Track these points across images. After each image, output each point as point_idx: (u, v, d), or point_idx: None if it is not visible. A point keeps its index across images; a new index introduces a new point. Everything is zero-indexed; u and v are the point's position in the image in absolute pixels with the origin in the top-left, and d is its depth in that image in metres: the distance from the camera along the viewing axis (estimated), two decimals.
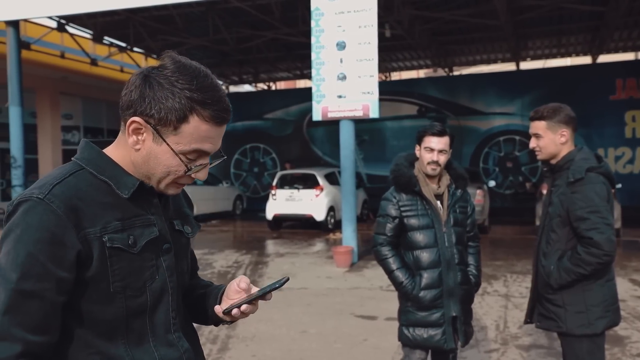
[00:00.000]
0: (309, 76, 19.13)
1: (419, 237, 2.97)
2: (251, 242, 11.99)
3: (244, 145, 20.37)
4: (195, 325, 1.50)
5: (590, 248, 2.54)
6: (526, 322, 3.00)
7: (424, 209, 2.98)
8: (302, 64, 18.76)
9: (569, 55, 18.80)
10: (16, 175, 11.33)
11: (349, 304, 6.64)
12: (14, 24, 11.21)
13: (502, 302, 6.53)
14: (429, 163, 2.94)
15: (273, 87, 23.11)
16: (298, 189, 13.44)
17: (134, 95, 1.20)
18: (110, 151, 1.29)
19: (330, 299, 6.93)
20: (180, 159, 1.23)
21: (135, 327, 1.26)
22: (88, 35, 14.76)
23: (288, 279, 1.35)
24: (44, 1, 10.76)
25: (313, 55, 9.54)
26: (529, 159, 17.17)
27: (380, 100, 9.68)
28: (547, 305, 2.75)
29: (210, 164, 1.29)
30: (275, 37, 15.06)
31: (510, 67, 20.03)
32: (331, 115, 9.53)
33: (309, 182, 13.47)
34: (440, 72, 21.27)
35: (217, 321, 1.44)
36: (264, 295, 1.32)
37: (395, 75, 22.32)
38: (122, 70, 17.21)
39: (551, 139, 2.72)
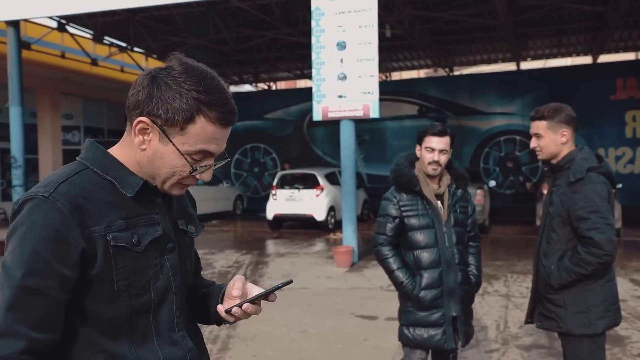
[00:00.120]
0: (309, 76, 19.14)
1: (420, 237, 2.97)
2: (251, 242, 12.00)
3: (244, 145, 20.37)
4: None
5: (590, 248, 2.54)
6: (527, 322, 3.00)
7: (424, 208, 2.99)
8: (302, 64, 18.77)
9: (570, 55, 18.80)
10: (16, 175, 11.33)
11: (349, 304, 6.64)
12: (15, 24, 11.22)
13: (502, 302, 6.53)
14: (430, 163, 2.94)
15: (273, 87, 23.12)
16: (298, 189, 13.44)
17: (142, 95, 1.21)
18: (115, 151, 1.30)
19: (330, 299, 6.93)
20: (186, 159, 1.24)
21: (139, 325, 1.27)
22: (88, 35, 14.76)
23: (291, 281, 1.35)
24: (44, 1, 10.76)
25: (313, 55, 9.54)
26: (529, 159, 17.16)
27: (381, 100, 9.69)
28: (548, 305, 2.75)
29: (215, 165, 1.30)
30: (275, 37, 15.07)
31: (510, 67, 20.03)
32: (331, 115, 9.53)
33: (310, 182, 13.47)
34: (441, 72, 21.27)
35: (219, 321, 1.44)
36: (267, 295, 1.32)
37: (396, 75, 22.32)
38: (122, 70, 17.21)
39: (552, 139, 2.72)
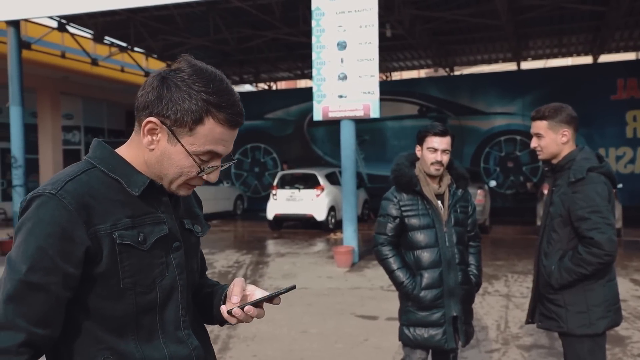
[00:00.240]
0: (309, 76, 19.14)
1: (420, 236, 2.97)
2: (252, 242, 12.00)
3: (244, 145, 20.38)
4: None
5: (591, 248, 2.54)
6: (527, 322, 3.00)
7: (424, 208, 2.99)
8: (302, 64, 18.77)
9: (570, 55, 18.79)
10: (17, 175, 11.34)
11: (349, 303, 6.64)
12: (15, 24, 11.22)
13: (503, 302, 6.53)
14: (432, 163, 2.94)
15: (274, 87, 23.12)
16: (299, 189, 13.44)
17: (151, 96, 1.23)
18: (122, 151, 1.32)
19: (331, 298, 6.93)
20: (194, 159, 1.25)
21: (145, 323, 1.28)
22: (89, 35, 14.76)
23: (295, 287, 1.35)
24: (44, 1, 10.77)
25: (314, 55, 9.54)
26: (529, 159, 17.16)
27: (381, 100, 9.69)
28: (549, 305, 2.75)
29: (222, 166, 1.31)
30: (276, 37, 15.07)
31: (511, 67, 20.02)
32: (332, 115, 9.53)
33: (310, 182, 13.48)
34: (441, 72, 21.26)
35: (222, 321, 1.44)
36: (271, 299, 1.32)
37: (396, 75, 22.31)
38: (122, 70, 17.21)
39: (552, 139, 2.72)
